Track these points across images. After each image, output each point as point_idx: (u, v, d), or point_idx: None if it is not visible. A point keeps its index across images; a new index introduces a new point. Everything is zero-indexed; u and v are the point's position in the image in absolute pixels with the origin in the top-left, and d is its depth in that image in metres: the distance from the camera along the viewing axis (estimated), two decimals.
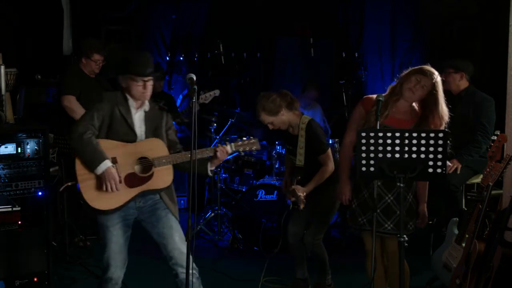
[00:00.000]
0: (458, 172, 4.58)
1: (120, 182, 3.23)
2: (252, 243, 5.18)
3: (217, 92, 5.39)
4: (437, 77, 3.40)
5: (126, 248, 3.40)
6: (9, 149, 3.93)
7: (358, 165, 2.92)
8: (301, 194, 3.82)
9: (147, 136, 3.36)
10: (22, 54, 6.05)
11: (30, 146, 3.99)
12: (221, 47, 5.76)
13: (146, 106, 3.39)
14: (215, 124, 5.85)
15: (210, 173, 3.49)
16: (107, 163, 3.17)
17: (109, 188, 3.18)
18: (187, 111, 5.67)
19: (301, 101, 6.24)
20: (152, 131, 3.39)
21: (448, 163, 4.52)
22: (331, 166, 3.97)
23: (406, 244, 2.96)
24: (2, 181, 3.87)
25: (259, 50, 7.38)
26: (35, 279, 3.99)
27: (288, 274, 4.47)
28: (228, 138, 3.61)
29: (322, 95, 7.13)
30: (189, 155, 3.15)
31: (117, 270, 3.34)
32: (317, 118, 6.39)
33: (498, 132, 3.59)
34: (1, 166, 3.89)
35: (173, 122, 5.88)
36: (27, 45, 6.13)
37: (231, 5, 7.23)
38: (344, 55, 7.16)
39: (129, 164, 3.27)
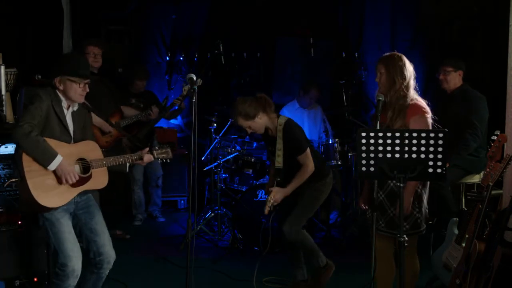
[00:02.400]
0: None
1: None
2: (252, 243, 5.18)
3: (199, 82, 5.36)
4: (387, 57, 3.50)
5: (76, 239, 3.44)
6: (9, 149, 3.92)
7: (358, 165, 2.92)
8: (270, 199, 3.90)
9: (76, 135, 3.46)
10: (22, 54, 6.04)
11: None
12: (221, 47, 5.75)
13: (75, 106, 3.48)
14: (215, 124, 5.85)
15: (127, 170, 3.64)
16: (59, 158, 3.24)
17: (69, 181, 3.27)
18: (176, 106, 5.59)
19: (302, 102, 6.28)
20: (81, 129, 3.51)
21: None
22: (310, 166, 3.97)
23: (406, 244, 2.95)
24: (2, 181, 3.87)
25: (259, 50, 7.38)
26: (35, 279, 3.99)
27: (288, 274, 4.47)
28: (156, 146, 3.76)
29: (322, 95, 7.13)
30: (121, 159, 3.52)
31: (78, 260, 3.36)
32: (318, 118, 6.40)
33: (498, 132, 3.59)
34: (1, 166, 3.88)
35: (174, 121, 5.90)
36: (27, 45, 6.12)
37: (231, 5, 7.23)
38: (344, 55, 7.16)
39: (70, 164, 3.35)
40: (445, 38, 6.78)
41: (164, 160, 3.81)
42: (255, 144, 6.35)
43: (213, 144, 5.88)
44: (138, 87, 5.95)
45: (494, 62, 5.79)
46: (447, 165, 4.49)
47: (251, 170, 5.84)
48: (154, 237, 5.77)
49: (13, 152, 3.92)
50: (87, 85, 3.42)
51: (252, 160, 5.86)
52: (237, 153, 5.91)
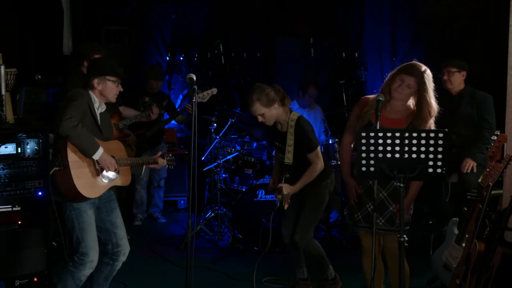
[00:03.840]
0: (475, 170, 4.58)
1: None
2: (252, 243, 5.18)
3: (214, 91, 5.40)
4: (423, 74, 3.43)
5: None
6: (9, 149, 3.92)
7: (358, 165, 2.92)
8: (286, 193, 3.83)
9: (105, 135, 3.63)
10: (22, 54, 6.05)
11: (30, 146, 3.99)
12: (221, 47, 5.76)
13: (103, 108, 3.63)
14: (215, 124, 5.85)
15: (143, 172, 3.93)
16: (102, 149, 3.43)
17: (111, 168, 3.49)
18: (184, 112, 5.67)
19: (302, 102, 6.28)
20: (107, 129, 3.67)
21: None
22: (320, 165, 3.95)
23: (406, 244, 2.96)
24: (2, 181, 3.87)
25: (259, 50, 7.38)
26: (35, 279, 3.99)
27: (288, 274, 4.48)
28: (167, 154, 3.94)
29: (322, 95, 7.13)
30: (141, 161, 3.79)
31: (97, 253, 3.53)
32: (318, 118, 6.39)
33: (498, 132, 3.60)
34: (1, 166, 3.88)
35: (173, 121, 5.92)
36: (27, 45, 6.13)
37: (231, 5, 7.23)
38: (344, 55, 7.16)
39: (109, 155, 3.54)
40: (445, 38, 6.78)
41: (171, 167, 4.04)
42: (255, 144, 6.35)
43: (213, 144, 5.88)
44: (153, 86, 5.97)
45: (494, 62, 5.80)
46: (475, 164, 4.55)
47: (251, 170, 5.84)
48: (154, 237, 5.77)
49: (13, 152, 3.93)
50: (120, 86, 3.59)
51: (252, 160, 5.86)
52: (237, 153, 5.91)
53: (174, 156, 4.06)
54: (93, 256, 3.50)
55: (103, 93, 3.54)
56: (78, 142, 3.34)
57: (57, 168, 3.36)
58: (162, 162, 3.87)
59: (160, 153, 3.90)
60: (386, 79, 3.58)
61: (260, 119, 3.97)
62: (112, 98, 3.59)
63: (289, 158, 3.94)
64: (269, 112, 3.92)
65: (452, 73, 4.79)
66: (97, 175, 3.49)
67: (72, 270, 3.52)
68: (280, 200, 3.86)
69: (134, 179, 6.08)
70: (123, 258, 3.69)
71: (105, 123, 3.65)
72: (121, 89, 3.61)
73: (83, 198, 3.44)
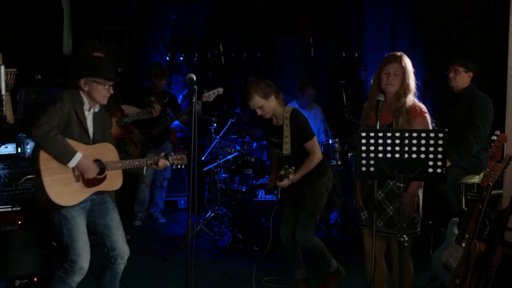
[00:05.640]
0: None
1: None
2: (252, 243, 5.18)
3: (220, 90, 5.42)
4: (401, 57, 3.52)
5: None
6: (9, 149, 3.93)
7: (358, 165, 2.92)
8: (286, 171, 3.85)
9: (95, 137, 3.53)
10: (22, 54, 6.04)
11: (30, 146, 3.99)
12: (221, 47, 5.76)
13: (97, 108, 3.54)
14: (215, 124, 5.85)
15: (145, 172, 3.74)
16: (79, 155, 3.33)
17: (91, 175, 3.37)
18: (188, 112, 5.68)
19: (301, 103, 6.28)
20: (101, 132, 3.57)
21: None
22: (318, 153, 4.01)
23: (406, 245, 2.96)
24: (2, 181, 3.87)
25: (259, 50, 7.38)
26: (35, 279, 3.99)
27: (288, 274, 4.47)
28: (172, 152, 3.83)
29: (322, 95, 7.12)
30: (136, 163, 3.57)
31: (87, 259, 3.44)
32: (318, 118, 6.39)
33: (498, 132, 3.59)
34: (1, 166, 3.89)
35: (176, 121, 5.93)
36: (27, 45, 6.13)
37: (231, 5, 7.23)
38: (344, 55, 7.16)
39: (89, 161, 3.43)
40: (445, 38, 6.77)
41: (178, 166, 3.82)
42: (255, 144, 6.35)
43: (213, 144, 5.88)
44: (157, 85, 5.97)
45: (494, 62, 5.79)
46: (449, 164, 4.54)
47: (251, 170, 5.84)
48: (154, 237, 5.77)
49: (13, 152, 3.93)
50: (111, 87, 3.48)
51: (252, 160, 5.86)
52: (237, 153, 5.91)
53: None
54: (83, 263, 3.40)
55: (91, 94, 3.44)
56: (50, 150, 3.26)
57: (30, 176, 3.33)
58: (164, 163, 3.69)
59: (162, 154, 3.73)
60: (372, 84, 3.64)
61: (259, 112, 4.05)
62: (101, 100, 3.48)
63: (286, 149, 4.01)
64: (267, 103, 4.01)
65: (459, 72, 4.78)
66: (77, 181, 3.38)
67: (62, 276, 3.44)
68: (286, 177, 3.84)
69: (138, 178, 6.08)
70: (121, 261, 3.58)
71: (98, 124, 3.55)
72: (112, 91, 3.50)
73: (60, 206, 3.34)
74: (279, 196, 3.98)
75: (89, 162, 3.38)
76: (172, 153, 3.81)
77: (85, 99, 3.46)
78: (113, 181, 3.56)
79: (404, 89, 3.49)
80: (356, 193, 3.76)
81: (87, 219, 3.54)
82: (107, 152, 3.55)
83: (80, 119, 3.43)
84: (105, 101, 3.51)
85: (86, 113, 3.48)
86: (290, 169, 3.83)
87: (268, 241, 4.98)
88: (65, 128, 3.37)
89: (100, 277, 3.67)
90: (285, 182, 3.90)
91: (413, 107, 3.50)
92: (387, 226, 3.53)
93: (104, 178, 3.50)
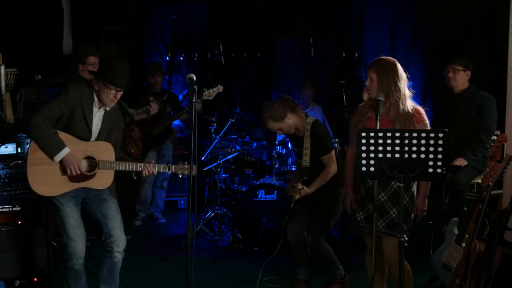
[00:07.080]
0: (463, 165, 4.56)
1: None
2: (252, 243, 5.18)
3: (220, 88, 5.42)
4: (377, 62, 3.63)
5: (82, 223, 3.61)
6: (9, 149, 3.93)
7: (358, 165, 2.92)
8: (300, 187, 3.91)
9: (100, 134, 3.60)
10: (22, 54, 6.06)
11: None
12: (221, 47, 5.76)
13: (109, 107, 3.60)
14: (215, 124, 5.85)
15: (134, 176, 3.69)
16: (66, 150, 3.42)
17: (73, 172, 3.44)
18: (188, 111, 5.67)
19: (301, 103, 6.27)
20: (107, 130, 3.63)
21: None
22: (333, 167, 4.02)
23: (406, 244, 2.95)
24: (2, 181, 3.87)
25: (259, 50, 7.39)
26: (35, 279, 3.99)
27: (288, 274, 4.47)
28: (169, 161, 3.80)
29: (322, 95, 7.13)
30: (133, 166, 3.57)
31: (79, 243, 3.55)
32: (318, 118, 6.38)
33: (498, 132, 3.60)
34: (1, 166, 3.89)
35: (177, 121, 5.92)
36: (27, 45, 6.14)
37: (231, 5, 7.23)
38: (344, 55, 7.16)
39: (76, 157, 3.49)
40: (445, 38, 6.78)
41: (181, 175, 3.76)
42: (255, 144, 6.35)
43: (213, 144, 5.88)
44: (153, 83, 5.95)
45: (494, 62, 5.80)
46: (466, 163, 4.54)
47: (251, 170, 5.84)
48: (154, 237, 5.77)
49: (13, 152, 3.94)
50: (120, 92, 3.54)
51: (252, 160, 5.85)
52: (237, 153, 5.91)
53: (177, 159, 3.91)
54: (74, 247, 3.52)
55: (98, 94, 3.53)
56: (39, 141, 3.39)
57: (19, 162, 3.43)
58: (150, 170, 3.59)
59: (152, 161, 3.68)
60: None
61: (279, 133, 4.15)
62: (108, 102, 3.54)
63: (306, 161, 4.02)
64: (285, 124, 4.03)
65: (457, 71, 4.79)
66: (63, 175, 3.47)
67: (65, 261, 3.60)
68: (293, 196, 3.91)
69: (140, 177, 6.06)
70: (117, 249, 3.64)
71: (106, 122, 3.60)
72: (118, 97, 3.55)
73: (44, 194, 3.47)
74: (293, 203, 3.99)
75: (75, 158, 3.45)
76: (178, 162, 3.75)
77: (95, 97, 3.55)
78: (103, 180, 3.58)
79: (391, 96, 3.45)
80: (347, 193, 3.72)
81: (86, 207, 3.67)
82: (104, 151, 3.57)
83: (85, 115, 3.50)
84: (112, 104, 3.57)
85: (95, 110, 3.55)
86: (300, 187, 3.90)
87: (268, 241, 5.02)
88: (68, 120, 3.47)
89: (99, 271, 3.73)
90: (297, 196, 3.93)
91: (413, 113, 3.44)
92: (388, 228, 3.52)
93: (93, 176, 3.54)
